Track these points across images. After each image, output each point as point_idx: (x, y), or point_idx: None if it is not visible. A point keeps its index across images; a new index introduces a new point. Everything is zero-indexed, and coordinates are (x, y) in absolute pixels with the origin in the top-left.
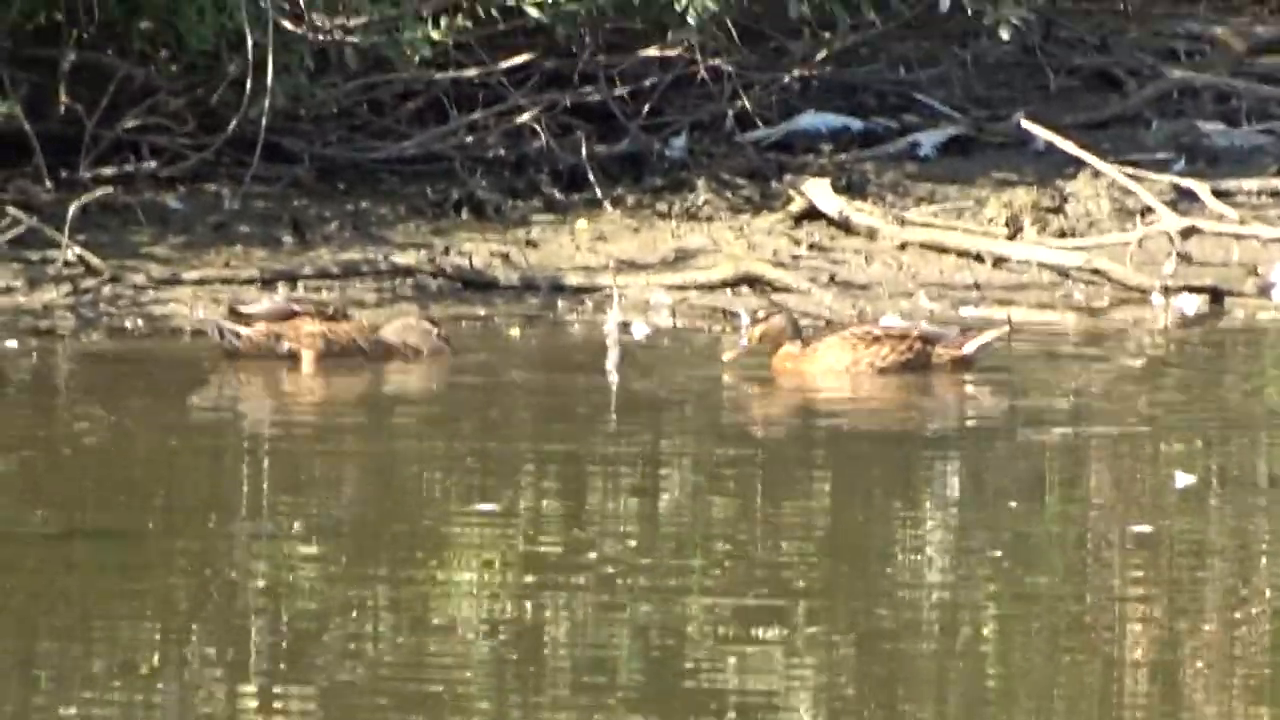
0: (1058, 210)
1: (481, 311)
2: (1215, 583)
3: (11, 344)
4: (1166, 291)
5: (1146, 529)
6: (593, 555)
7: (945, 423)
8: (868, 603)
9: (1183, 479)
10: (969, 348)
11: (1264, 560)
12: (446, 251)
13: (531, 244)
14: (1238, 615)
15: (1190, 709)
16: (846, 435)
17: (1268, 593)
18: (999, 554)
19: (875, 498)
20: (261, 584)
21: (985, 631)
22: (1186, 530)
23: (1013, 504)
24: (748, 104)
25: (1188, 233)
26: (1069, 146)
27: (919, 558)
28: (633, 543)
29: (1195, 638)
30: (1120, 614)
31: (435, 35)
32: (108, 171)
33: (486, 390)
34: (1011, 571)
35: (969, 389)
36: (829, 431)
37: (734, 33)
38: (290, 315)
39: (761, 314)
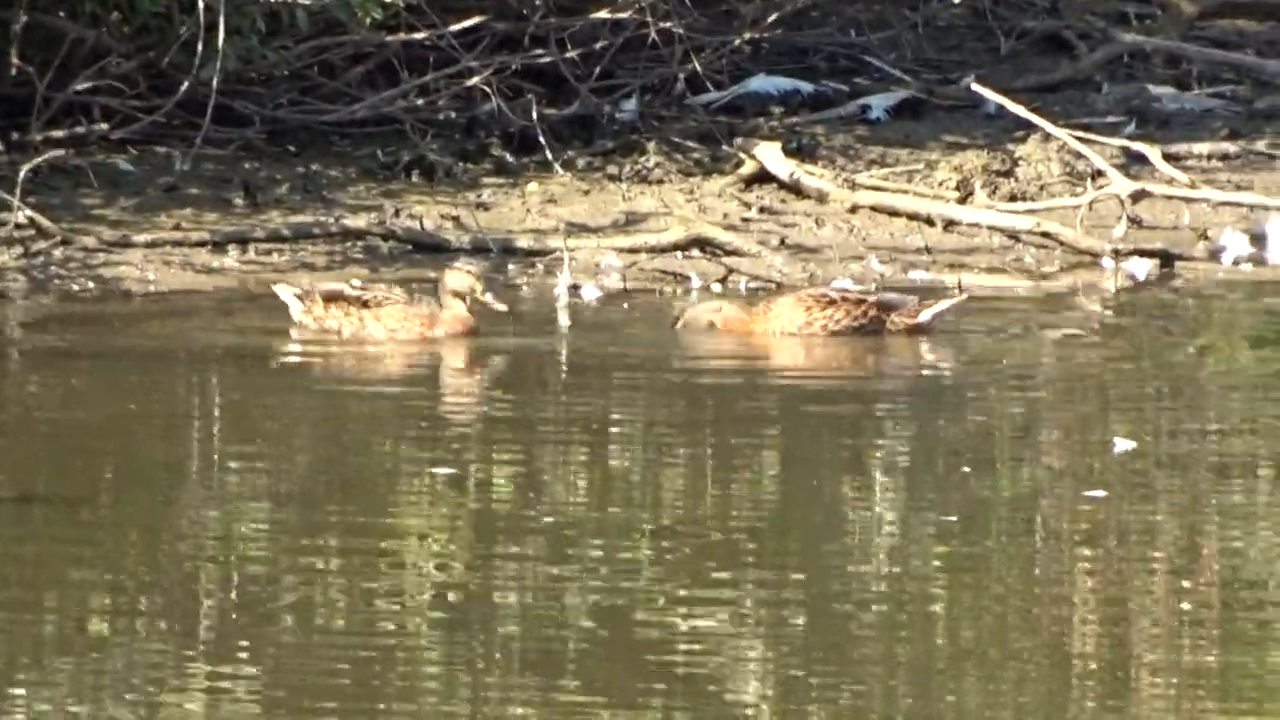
0: (1008, 174)
1: (432, 274)
2: (1150, 546)
3: None
4: (1117, 255)
5: (1096, 494)
6: (543, 520)
7: (884, 385)
8: (819, 572)
9: (1122, 444)
10: (925, 316)
11: (1192, 537)
12: (397, 214)
13: (482, 207)
14: (1174, 586)
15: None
16: (798, 394)
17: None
18: (944, 519)
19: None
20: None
21: (935, 600)
22: (1123, 498)
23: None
24: (698, 67)
25: (1138, 196)
26: (1019, 110)
27: (868, 522)
28: (580, 506)
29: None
30: (1062, 581)
31: None
32: (59, 134)
33: (434, 357)
34: (956, 536)
35: (919, 350)
36: (780, 390)
37: None
38: (338, 298)
39: (714, 308)
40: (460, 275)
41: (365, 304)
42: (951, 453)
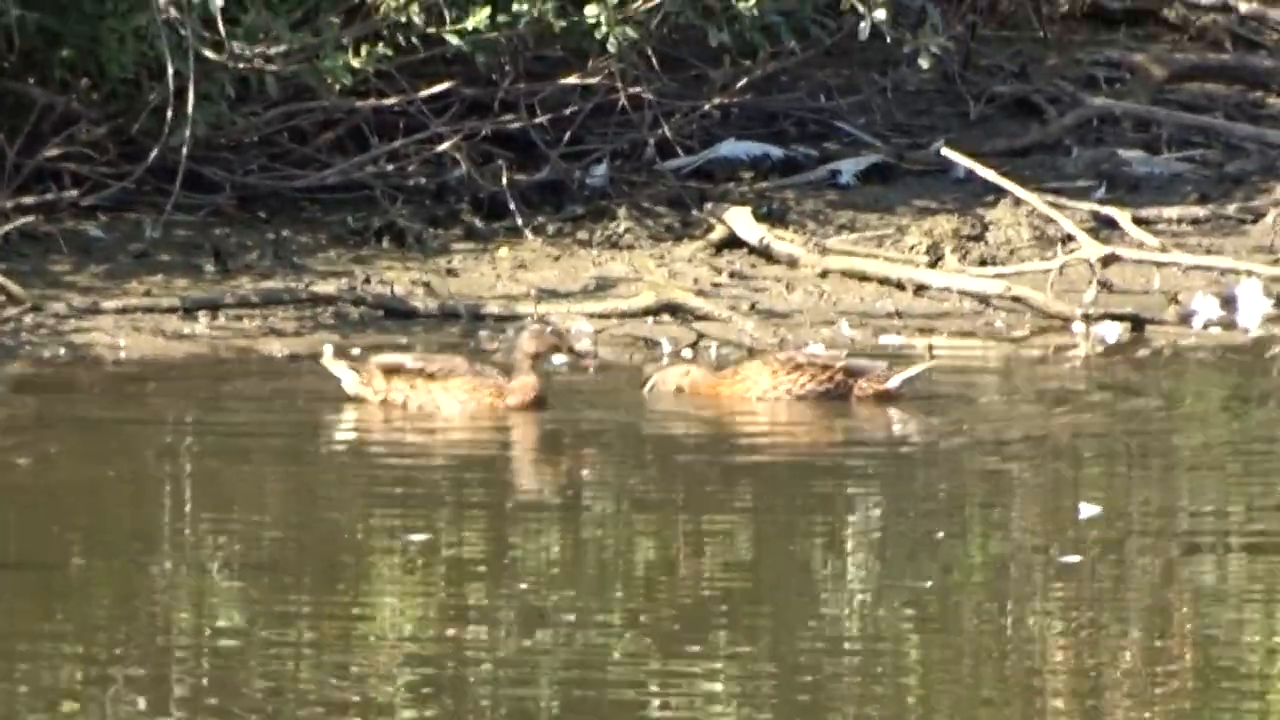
0: (978, 238)
1: (403, 340)
2: (1120, 615)
3: None
4: (1087, 319)
5: (1069, 560)
6: (517, 591)
7: (856, 450)
8: (791, 636)
9: (1087, 510)
10: (893, 382)
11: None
12: (367, 280)
13: (452, 272)
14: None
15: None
16: (767, 461)
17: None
18: (914, 587)
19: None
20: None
21: (908, 656)
22: (1084, 564)
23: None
24: (668, 132)
25: (1108, 260)
26: (989, 174)
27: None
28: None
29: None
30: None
31: (356, 63)
32: (29, 200)
33: (406, 421)
34: (929, 603)
35: (888, 416)
36: (748, 456)
37: (654, 61)
38: (397, 369)
39: (681, 372)
40: (542, 335)
41: (431, 375)
42: (922, 518)
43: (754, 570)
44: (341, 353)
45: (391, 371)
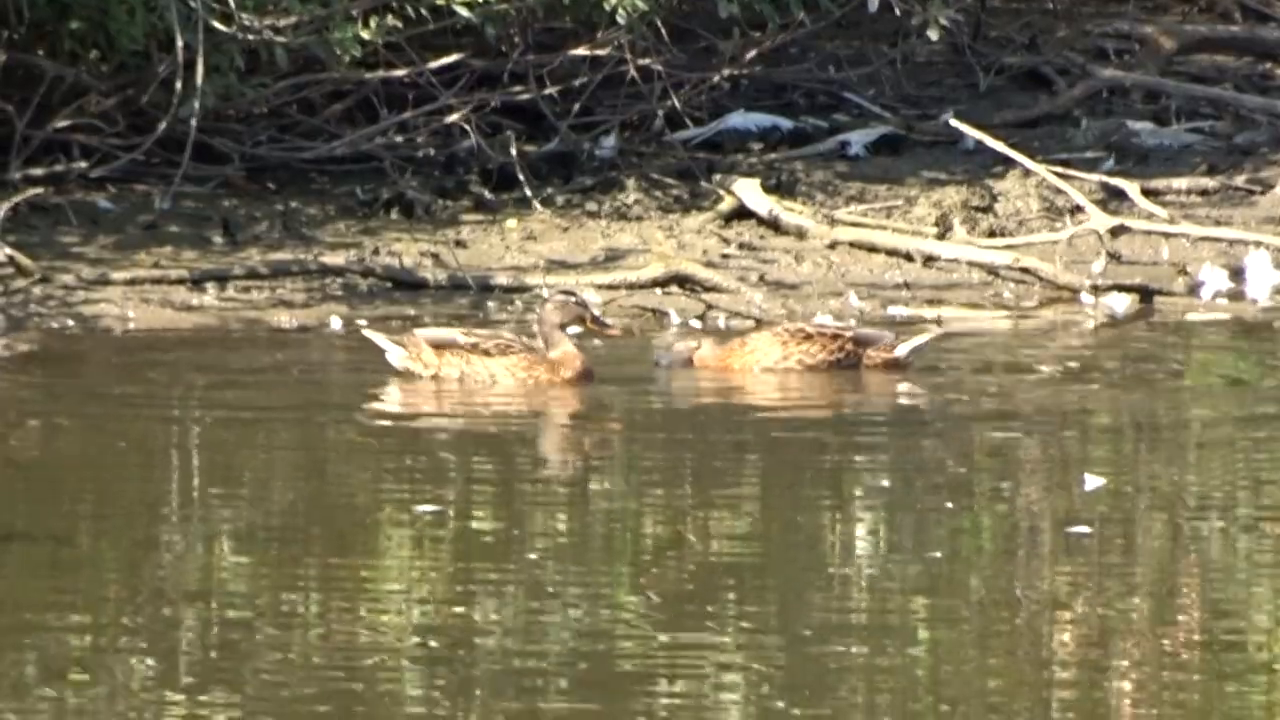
0: (987, 209)
1: (411, 312)
2: (1127, 587)
3: None
4: (1096, 290)
5: (1078, 530)
6: (525, 554)
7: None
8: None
9: (1092, 482)
10: (901, 350)
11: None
12: (376, 252)
13: (461, 244)
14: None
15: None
16: (777, 428)
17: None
18: (915, 554)
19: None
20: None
21: (915, 630)
22: (1091, 535)
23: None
24: (677, 103)
25: (1117, 231)
26: (998, 146)
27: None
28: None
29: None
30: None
31: (365, 35)
32: (38, 172)
33: (417, 391)
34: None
35: (897, 386)
36: (758, 424)
37: (663, 32)
38: (449, 345)
39: (689, 344)
40: (567, 305)
41: (487, 352)
42: (932, 488)
43: (763, 541)
44: (380, 327)
45: (441, 347)
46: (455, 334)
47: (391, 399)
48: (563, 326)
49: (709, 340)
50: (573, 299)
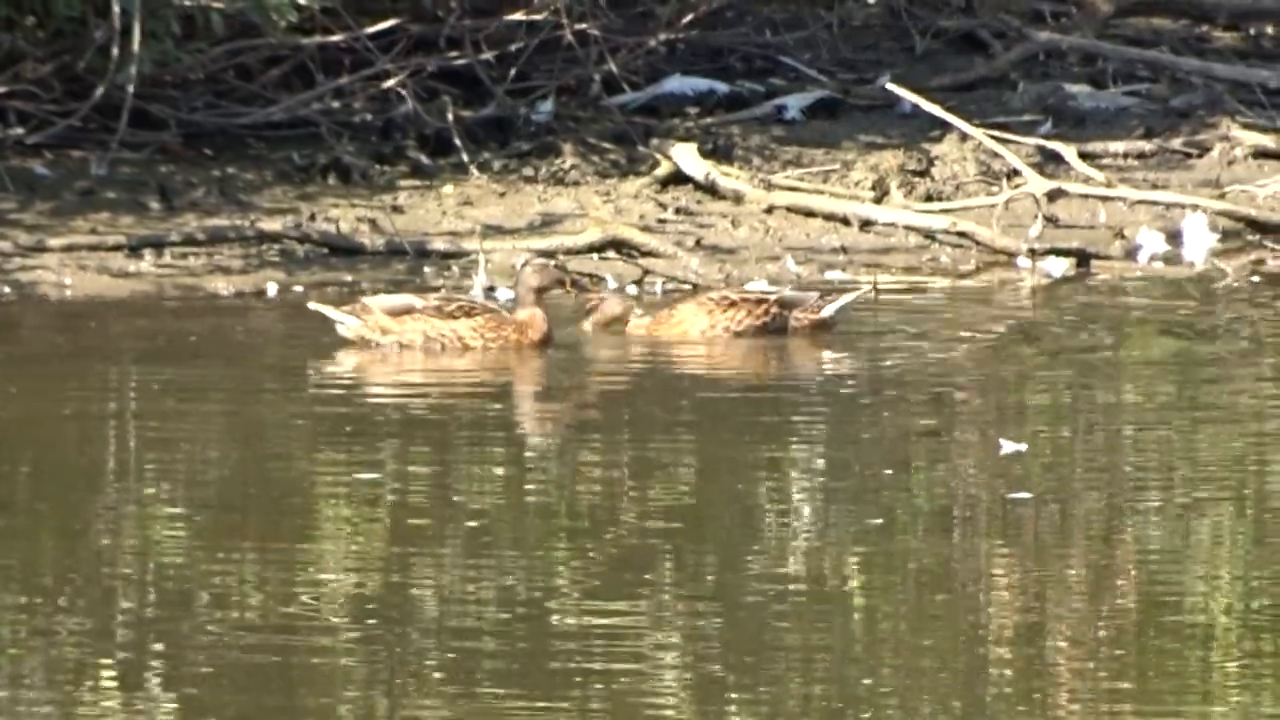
0: (924, 173)
1: (348, 277)
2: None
3: None
4: (1033, 254)
5: (1019, 495)
6: (461, 520)
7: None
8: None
9: (1009, 446)
10: (827, 311)
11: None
12: (313, 217)
13: (398, 209)
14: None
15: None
16: (704, 398)
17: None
18: (865, 520)
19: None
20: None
21: (850, 589)
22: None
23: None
24: (614, 68)
25: (1054, 195)
26: (935, 109)
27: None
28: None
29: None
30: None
31: (301, 0)
32: None
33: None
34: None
35: (829, 350)
36: (686, 395)
37: None
38: (407, 311)
39: (590, 302)
40: (546, 269)
41: (452, 315)
42: (862, 454)
43: (698, 506)
44: (318, 294)
45: (400, 313)
46: (412, 299)
47: (344, 367)
48: (540, 291)
49: (635, 309)
50: (551, 263)
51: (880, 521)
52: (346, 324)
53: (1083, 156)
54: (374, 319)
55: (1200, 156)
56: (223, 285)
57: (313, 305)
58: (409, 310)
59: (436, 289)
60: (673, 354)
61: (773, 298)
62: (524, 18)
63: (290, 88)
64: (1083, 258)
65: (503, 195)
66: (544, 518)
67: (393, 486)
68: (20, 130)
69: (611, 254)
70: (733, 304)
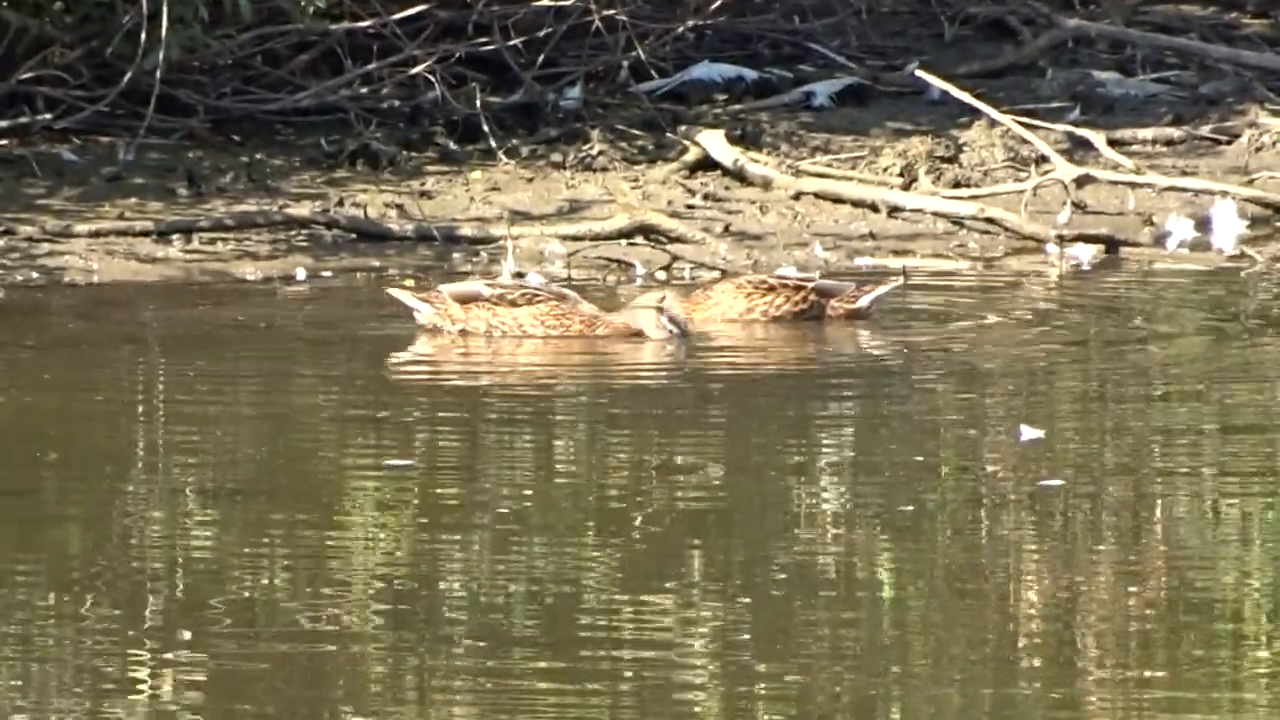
0: (952, 160)
1: (375, 263)
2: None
3: None
4: (1061, 241)
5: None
6: (492, 504)
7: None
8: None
9: (1029, 433)
10: (864, 301)
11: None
12: (341, 203)
13: (426, 195)
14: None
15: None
16: (741, 380)
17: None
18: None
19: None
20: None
21: (878, 578)
22: (1018, 485)
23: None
24: (642, 54)
25: (1082, 182)
26: (964, 96)
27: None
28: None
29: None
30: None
31: None
32: (2, 123)
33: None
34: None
35: (860, 336)
36: (723, 377)
37: None
38: (473, 299)
39: (656, 297)
40: (648, 314)
41: (514, 302)
42: (894, 440)
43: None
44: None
45: (466, 300)
46: (479, 286)
47: (419, 353)
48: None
49: (672, 293)
50: (661, 316)
51: (910, 508)
52: (421, 311)
53: (1111, 143)
54: (445, 306)
55: (1229, 143)
56: (250, 270)
57: (391, 290)
58: (475, 297)
59: (465, 275)
60: (708, 337)
61: (810, 285)
62: (552, 3)
63: (318, 74)
64: (1111, 244)
65: (531, 181)
66: (569, 492)
67: (422, 478)
68: (48, 116)
69: (639, 240)
70: (771, 288)
